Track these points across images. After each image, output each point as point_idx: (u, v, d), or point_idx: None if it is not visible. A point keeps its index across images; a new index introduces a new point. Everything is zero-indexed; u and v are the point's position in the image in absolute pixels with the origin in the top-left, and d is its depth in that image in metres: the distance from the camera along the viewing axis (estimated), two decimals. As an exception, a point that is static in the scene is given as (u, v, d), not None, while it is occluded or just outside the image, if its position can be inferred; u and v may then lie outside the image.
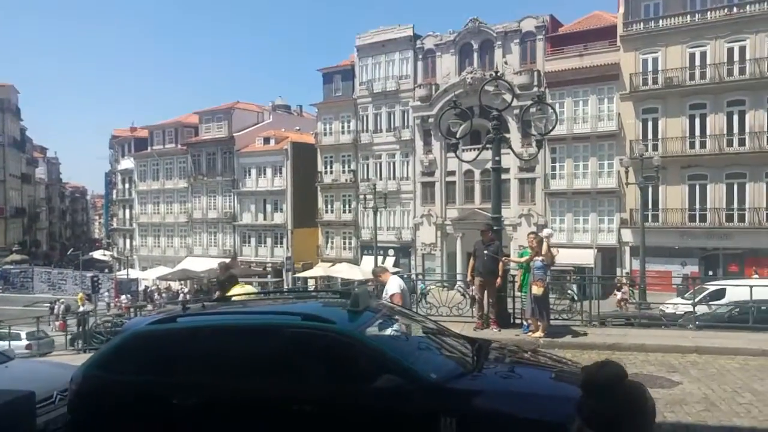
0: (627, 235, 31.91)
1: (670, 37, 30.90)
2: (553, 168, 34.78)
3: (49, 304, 32.60)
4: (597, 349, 8.85)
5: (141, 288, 43.14)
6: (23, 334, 17.83)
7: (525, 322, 9.71)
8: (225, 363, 4.60)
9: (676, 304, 15.42)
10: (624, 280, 24.45)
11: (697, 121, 30.59)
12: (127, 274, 44.27)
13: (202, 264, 46.07)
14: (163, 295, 39.86)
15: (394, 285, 8.15)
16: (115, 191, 61.74)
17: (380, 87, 40.75)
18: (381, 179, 40.35)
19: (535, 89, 31.59)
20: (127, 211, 57.31)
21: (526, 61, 35.71)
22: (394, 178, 40.59)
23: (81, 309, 27.01)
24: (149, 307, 31.35)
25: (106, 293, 39.61)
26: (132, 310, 22.81)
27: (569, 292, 11.75)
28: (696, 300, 12.66)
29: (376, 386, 4.14)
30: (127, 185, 57.36)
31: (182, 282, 45.70)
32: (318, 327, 4.53)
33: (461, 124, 11.02)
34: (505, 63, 35.30)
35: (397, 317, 5.49)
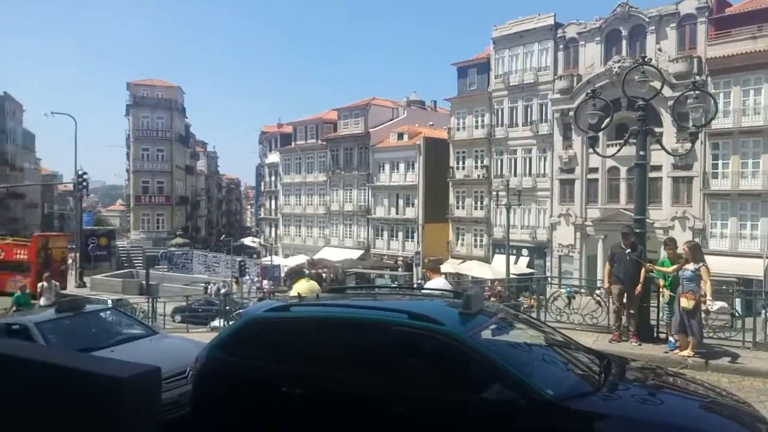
0: (807, 244, 27.44)
1: None
2: (715, 166, 30.94)
3: (204, 284, 36.13)
4: (762, 376, 7.51)
5: (283, 274, 46.15)
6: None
7: (671, 338, 8.57)
8: (330, 355, 4.56)
9: None
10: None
11: None
12: (271, 261, 47.62)
13: (338, 254, 48.25)
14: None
15: (432, 285, 7.80)
16: (263, 183, 66.81)
17: (517, 79, 39.28)
18: (515, 175, 38.96)
19: (696, 78, 28.34)
20: (273, 201, 61.69)
21: (684, 47, 32.13)
22: (529, 175, 38.96)
23: (223, 291, 29.54)
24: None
25: (257, 277, 42.87)
26: (270, 294, 24.35)
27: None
28: None
29: (482, 396, 3.79)
30: (273, 178, 61.74)
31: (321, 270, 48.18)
32: (424, 327, 4.28)
33: (600, 115, 10.03)
34: (659, 50, 32.09)
35: (515, 324, 5.04)
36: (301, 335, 4.82)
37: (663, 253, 8.96)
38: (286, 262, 50.21)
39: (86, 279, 34.43)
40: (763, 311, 10.84)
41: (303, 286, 8.03)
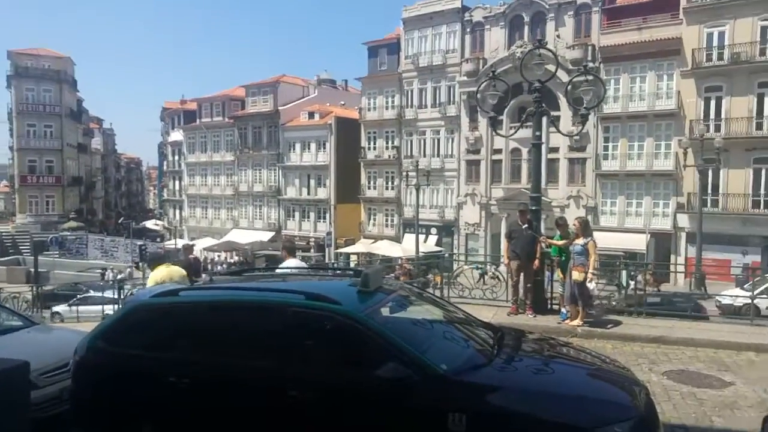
0: (683, 220, 30.24)
1: (739, 8, 28.56)
2: (606, 148, 33.18)
3: (101, 270, 33.84)
4: (640, 341, 8.17)
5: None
6: None
7: (563, 309, 9.10)
8: (223, 340, 4.36)
9: (734, 296, 14.33)
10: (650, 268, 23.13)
11: (767, 100, 28.40)
12: (175, 244, 45.45)
13: (248, 236, 46.96)
14: (223, 266, 40.58)
15: (285, 266, 7.66)
16: (165, 163, 63.38)
17: (426, 61, 39.77)
18: (425, 156, 39.65)
19: (589, 64, 30.05)
20: (177, 182, 58.76)
21: (580, 35, 33.92)
22: (438, 156, 39.82)
23: (120, 276, 27.89)
24: (204, 276, 32.16)
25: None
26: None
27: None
28: (756, 292, 11.67)
29: (379, 374, 3.76)
30: (176, 157, 58.70)
31: (228, 253, 46.77)
32: (320, 307, 4.18)
33: (500, 96, 10.33)
34: (558, 37, 33.68)
35: (414, 301, 5.06)
36: (192, 321, 4.57)
37: (557, 232, 9.44)
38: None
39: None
40: (632, 282, 11.79)
41: (161, 274, 7.01)
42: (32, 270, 31.77)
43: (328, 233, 41.77)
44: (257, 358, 4.15)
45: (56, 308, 20.06)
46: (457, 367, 3.89)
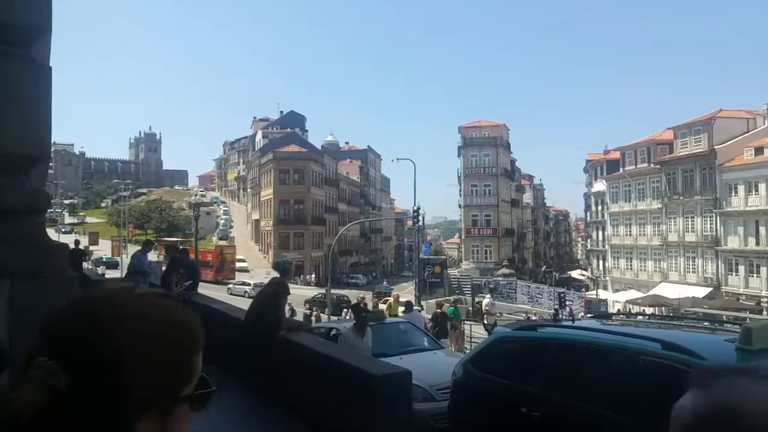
0: None
1: None
2: None
3: (524, 315, 36.39)
4: None
5: (612, 310, 42.96)
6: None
7: None
8: (571, 379, 4.19)
9: None
10: None
11: None
12: (596, 295, 45.03)
13: (677, 291, 42.24)
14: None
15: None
16: (589, 213, 64.14)
17: None
18: None
19: None
20: (600, 232, 58.50)
21: None
22: None
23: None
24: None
25: (582, 311, 41.19)
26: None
27: None
28: None
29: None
30: (599, 207, 58.70)
31: (654, 308, 43.19)
32: (676, 358, 3.57)
33: None
34: None
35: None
36: (543, 356, 4.59)
37: None
38: (614, 297, 46.66)
39: (423, 303, 38.75)
40: None
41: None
42: (470, 309, 36.84)
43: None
44: (601, 402, 3.83)
45: None
46: None
